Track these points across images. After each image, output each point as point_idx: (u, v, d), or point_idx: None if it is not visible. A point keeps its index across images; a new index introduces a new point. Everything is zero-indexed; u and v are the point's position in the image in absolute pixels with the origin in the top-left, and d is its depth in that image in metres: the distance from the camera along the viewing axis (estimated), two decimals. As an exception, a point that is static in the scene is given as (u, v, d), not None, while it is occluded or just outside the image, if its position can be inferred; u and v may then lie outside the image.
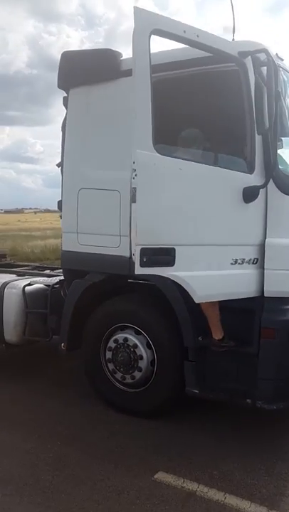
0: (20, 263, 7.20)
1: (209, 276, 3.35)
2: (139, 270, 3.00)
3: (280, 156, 3.55)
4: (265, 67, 3.20)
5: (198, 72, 3.59)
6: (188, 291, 3.29)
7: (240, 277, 3.44)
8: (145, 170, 2.96)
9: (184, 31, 3.03)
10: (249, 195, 3.31)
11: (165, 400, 3.91)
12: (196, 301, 3.37)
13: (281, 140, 3.52)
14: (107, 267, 4.01)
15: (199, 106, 3.83)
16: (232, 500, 2.89)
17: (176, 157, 3.19)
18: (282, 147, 3.52)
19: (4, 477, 3.12)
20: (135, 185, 2.94)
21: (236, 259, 3.39)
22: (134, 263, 3.00)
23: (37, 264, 7.27)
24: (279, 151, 3.51)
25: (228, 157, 3.55)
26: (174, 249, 3.13)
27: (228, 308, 3.59)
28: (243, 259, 3.41)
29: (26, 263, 7.29)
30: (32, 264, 7.23)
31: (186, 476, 3.14)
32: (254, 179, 3.36)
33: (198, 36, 3.08)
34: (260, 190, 3.35)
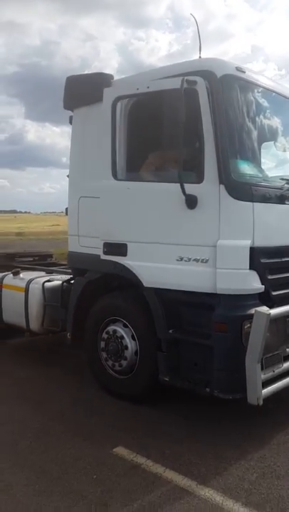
0: (61, 263, 7.93)
1: (157, 268, 4.02)
2: (103, 257, 4.33)
3: (239, 164, 3.83)
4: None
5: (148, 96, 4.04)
6: (137, 276, 4.08)
7: (188, 273, 3.87)
8: (105, 193, 4.29)
9: (137, 89, 3.96)
10: (189, 202, 3.75)
11: (145, 387, 4.32)
12: (145, 286, 4.08)
13: (237, 151, 3.82)
14: (98, 266, 4.54)
15: (157, 129, 4.08)
16: (169, 474, 3.25)
17: (125, 180, 4.18)
18: (237, 158, 3.80)
19: (-8, 440, 3.79)
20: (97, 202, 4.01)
21: (182, 257, 3.88)
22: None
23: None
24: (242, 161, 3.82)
25: (182, 172, 3.82)
26: (125, 245, 4.14)
27: (191, 303, 3.95)
28: (190, 257, 3.82)
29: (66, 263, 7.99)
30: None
31: (140, 452, 3.54)
32: (204, 188, 3.71)
33: (148, 87, 3.88)
34: (213, 196, 3.69)
